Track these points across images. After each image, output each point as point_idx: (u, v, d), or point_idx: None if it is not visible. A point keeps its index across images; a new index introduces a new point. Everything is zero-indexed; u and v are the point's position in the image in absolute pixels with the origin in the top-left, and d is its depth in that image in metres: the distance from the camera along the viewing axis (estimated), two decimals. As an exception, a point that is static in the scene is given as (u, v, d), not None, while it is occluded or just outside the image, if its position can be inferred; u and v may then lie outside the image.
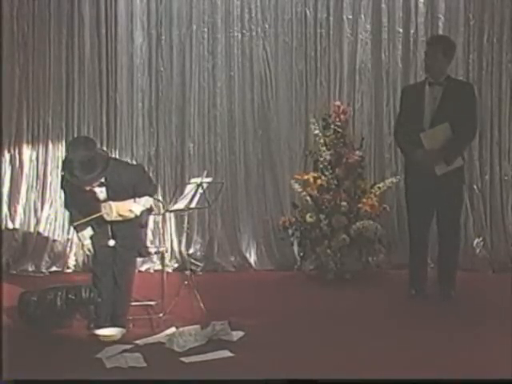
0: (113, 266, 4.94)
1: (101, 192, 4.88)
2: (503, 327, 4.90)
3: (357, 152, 6.40)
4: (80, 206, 4.98)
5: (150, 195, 5.09)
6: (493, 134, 6.67)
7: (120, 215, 4.88)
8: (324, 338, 4.78)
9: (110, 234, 4.96)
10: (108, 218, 4.89)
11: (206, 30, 6.73)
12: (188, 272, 5.30)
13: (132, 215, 4.92)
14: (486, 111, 6.62)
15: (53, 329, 4.88)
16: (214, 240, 6.77)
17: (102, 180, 4.82)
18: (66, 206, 5.16)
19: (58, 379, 4.04)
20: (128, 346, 4.58)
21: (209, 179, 5.58)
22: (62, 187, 5.11)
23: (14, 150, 6.71)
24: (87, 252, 5.10)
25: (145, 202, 5.02)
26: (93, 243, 5.01)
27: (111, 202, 4.86)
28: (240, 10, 6.72)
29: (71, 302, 4.91)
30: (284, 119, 6.80)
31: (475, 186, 6.67)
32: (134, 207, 4.92)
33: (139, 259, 6.52)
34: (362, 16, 6.71)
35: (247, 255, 6.77)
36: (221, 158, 6.81)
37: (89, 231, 5.03)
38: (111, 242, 4.94)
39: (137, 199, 4.96)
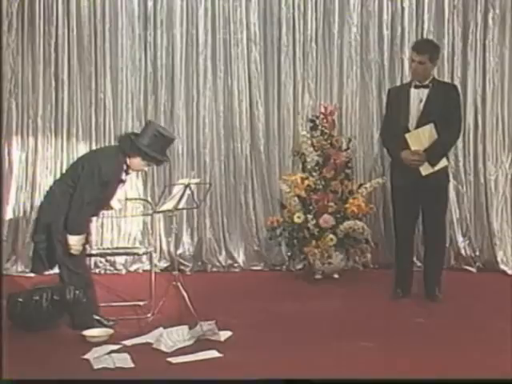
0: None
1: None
2: (488, 325, 4.96)
3: (344, 153, 6.46)
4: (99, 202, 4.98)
5: None
6: (477, 134, 6.74)
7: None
8: (312, 337, 4.80)
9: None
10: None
11: (194, 31, 6.76)
12: (176, 272, 5.31)
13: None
14: (471, 112, 6.69)
15: (40, 329, 4.87)
16: (203, 240, 6.81)
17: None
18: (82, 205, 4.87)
19: (53, 379, 4.05)
20: (116, 347, 4.58)
21: (197, 180, 5.61)
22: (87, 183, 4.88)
23: (4, 151, 6.70)
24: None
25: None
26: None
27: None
28: (228, 12, 6.75)
29: (56, 302, 4.90)
30: (272, 120, 6.84)
31: (460, 186, 6.73)
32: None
33: (129, 259, 6.65)
34: (350, 18, 6.75)
35: (236, 255, 6.81)
36: (209, 158, 6.84)
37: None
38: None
39: None
